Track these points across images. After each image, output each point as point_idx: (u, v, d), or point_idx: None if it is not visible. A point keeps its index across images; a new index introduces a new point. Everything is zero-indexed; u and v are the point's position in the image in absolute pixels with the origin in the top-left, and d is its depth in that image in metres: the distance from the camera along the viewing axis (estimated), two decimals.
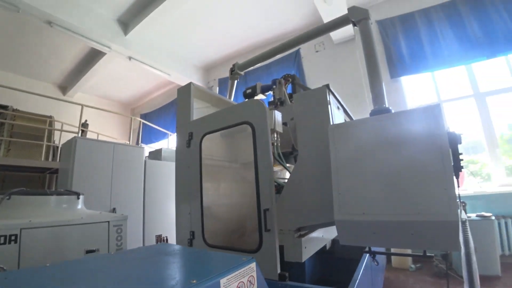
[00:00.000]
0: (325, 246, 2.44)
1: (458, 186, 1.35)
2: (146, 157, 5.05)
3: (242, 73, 3.18)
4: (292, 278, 1.57)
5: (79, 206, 1.97)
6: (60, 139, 6.06)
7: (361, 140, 1.39)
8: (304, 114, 1.75)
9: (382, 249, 2.42)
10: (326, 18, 5.50)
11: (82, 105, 5.50)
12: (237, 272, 0.90)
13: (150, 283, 0.82)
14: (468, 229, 1.94)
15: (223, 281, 0.84)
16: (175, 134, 8.35)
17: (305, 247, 1.78)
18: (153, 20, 5.77)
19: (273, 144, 1.84)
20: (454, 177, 1.25)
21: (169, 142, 8.51)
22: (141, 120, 7.50)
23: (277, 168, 2.39)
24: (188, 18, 6.26)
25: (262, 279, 1.02)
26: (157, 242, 2.42)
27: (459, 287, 3.30)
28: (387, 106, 1.68)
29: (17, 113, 5.40)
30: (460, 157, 1.36)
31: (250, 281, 0.95)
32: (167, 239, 2.49)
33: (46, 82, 9.07)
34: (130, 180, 4.47)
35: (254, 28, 6.82)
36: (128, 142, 8.53)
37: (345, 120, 2.22)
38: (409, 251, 3.67)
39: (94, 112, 6.38)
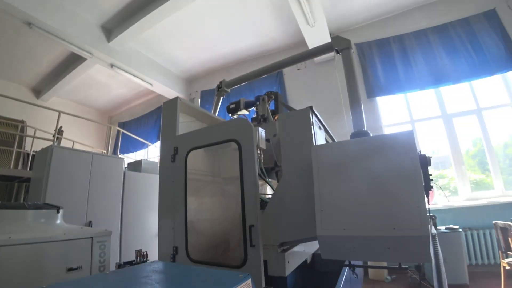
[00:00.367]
0: (306, 260, 2.50)
1: (428, 203, 1.48)
2: (125, 168, 4.91)
3: (229, 90, 3.25)
4: None
5: (58, 221, 1.89)
6: (32, 146, 5.76)
7: (341, 160, 1.49)
8: (288, 134, 1.83)
9: (360, 262, 2.51)
10: (309, 39, 5.78)
11: (60, 112, 5.28)
12: None
13: None
14: (437, 242, 2.10)
15: None
16: (155, 145, 8.13)
17: (288, 262, 1.82)
18: (138, 29, 5.74)
19: None
20: (425, 195, 1.38)
21: (148, 153, 8.32)
22: (120, 129, 7.29)
23: (259, 182, 2.44)
24: (173, 29, 6.30)
25: None
26: (136, 257, 2.36)
27: None
28: (365, 129, 1.82)
29: None
30: (430, 177, 1.50)
31: None
32: (146, 254, 2.44)
33: (18, 83, 8.60)
34: (108, 192, 4.30)
35: (238, 44, 6.97)
36: (105, 152, 8.27)
37: (326, 138, 2.34)
38: (385, 264, 3.82)
39: (69, 118, 6.11)
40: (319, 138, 1.95)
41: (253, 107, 2.90)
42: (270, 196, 2.11)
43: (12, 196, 5.32)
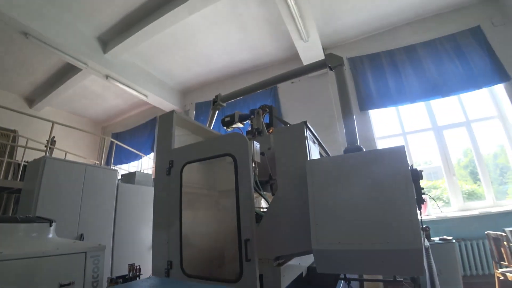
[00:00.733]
0: (301, 274, 2.48)
1: (421, 215, 1.51)
2: (119, 180, 4.86)
3: (224, 104, 3.29)
4: None
5: (51, 235, 1.85)
6: (24, 156, 5.66)
7: (335, 175, 1.52)
8: (283, 148, 1.86)
9: (356, 276, 2.51)
10: (302, 53, 5.92)
11: (53, 122, 5.23)
12: None
13: None
14: (431, 255, 2.12)
15: None
16: (148, 156, 8.09)
17: (284, 276, 1.81)
18: (134, 41, 5.80)
19: None
20: (417, 209, 1.41)
21: (142, 164, 8.25)
22: (115, 141, 7.24)
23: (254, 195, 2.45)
24: (169, 42, 6.38)
25: None
26: (129, 271, 2.32)
27: None
28: (358, 144, 1.86)
29: None
30: (422, 189, 1.54)
31: None
32: (140, 269, 2.40)
33: (12, 92, 8.51)
34: (100, 204, 4.23)
35: (233, 58, 7.07)
36: (98, 162, 8.17)
37: (320, 152, 2.38)
38: (380, 277, 3.81)
39: (62, 127, 6.05)
40: (313, 152, 1.99)
41: (247, 120, 2.93)
42: (264, 210, 2.12)
43: (0, 207, 5.19)
